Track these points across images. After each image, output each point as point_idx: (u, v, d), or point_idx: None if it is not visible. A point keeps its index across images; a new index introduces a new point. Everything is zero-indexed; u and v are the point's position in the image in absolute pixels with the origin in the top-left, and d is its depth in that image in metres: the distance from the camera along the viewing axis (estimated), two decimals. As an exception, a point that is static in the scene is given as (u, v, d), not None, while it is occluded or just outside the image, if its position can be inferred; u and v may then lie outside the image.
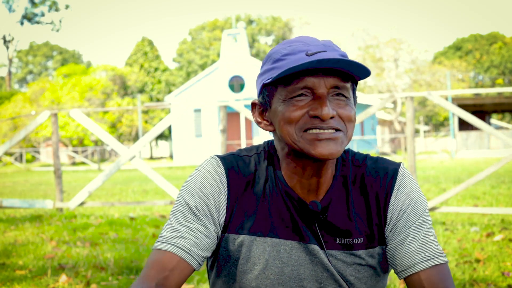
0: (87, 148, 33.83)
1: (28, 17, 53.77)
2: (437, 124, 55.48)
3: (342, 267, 1.24)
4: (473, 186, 9.50)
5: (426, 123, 54.55)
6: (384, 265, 1.28)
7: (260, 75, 1.23)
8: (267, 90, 1.21)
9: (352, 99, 1.20)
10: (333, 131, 1.15)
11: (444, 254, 1.23)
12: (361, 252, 1.24)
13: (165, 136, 42.46)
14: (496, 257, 4.21)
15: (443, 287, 1.18)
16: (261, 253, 1.24)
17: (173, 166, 26.02)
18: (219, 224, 1.24)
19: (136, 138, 39.95)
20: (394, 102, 38.80)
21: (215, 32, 49.90)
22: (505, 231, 5.35)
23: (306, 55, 1.14)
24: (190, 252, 1.18)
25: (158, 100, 43.45)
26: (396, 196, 1.24)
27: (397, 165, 1.28)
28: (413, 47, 41.28)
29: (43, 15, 54.21)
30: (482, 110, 32.38)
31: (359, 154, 1.31)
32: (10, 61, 57.27)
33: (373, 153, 30.05)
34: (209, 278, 1.35)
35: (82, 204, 7.54)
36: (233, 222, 1.24)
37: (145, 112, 39.90)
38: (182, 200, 1.23)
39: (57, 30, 55.09)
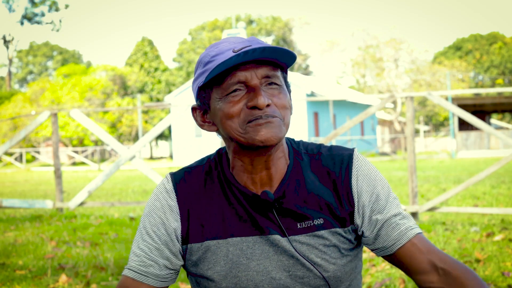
0: (87, 148, 33.82)
1: (28, 17, 53.78)
2: (437, 124, 55.49)
3: (307, 250, 1.27)
4: (473, 186, 9.50)
5: (426, 123, 54.56)
6: (348, 245, 1.31)
7: (195, 80, 1.28)
8: (204, 92, 1.26)
9: (284, 86, 1.25)
10: (270, 117, 1.21)
11: (417, 226, 1.29)
12: (323, 232, 1.27)
13: (165, 136, 42.47)
14: (496, 257, 4.21)
15: (435, 248, 1.25)
16: (225, 254, 1.28)
17: (173, 166, 26.03)
18: (176, 238, 1.31)
19: (136, 138, 39.95)
20: (394, 102, 38.80)
21: (215, 32, 49.93)
22: (505, 231, 5.35)
23: (233, 51, 1.18)
24: (142, 273, 1.30)
25: (158, 100, 43.45)
26: (357, 180, 1.29)
27: (351, 150, 1.33)
28: (413, 47, 41.28)
29: (43, 15, 54.23)
30: (482, 110, 32.37)
31: (312, 144, 1.36)
32: (10, 61, 57.28)
33: (372, 153, 30.05)
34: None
35: (82, 204, 7.54)
36: (192, 233, 1.30)
37: (145, 112, 39.91)
38: (140, 225, 1.34)
39: (57, 30, 55.11)
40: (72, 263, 4.47)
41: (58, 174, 7.78)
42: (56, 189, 7.74)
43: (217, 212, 1.29)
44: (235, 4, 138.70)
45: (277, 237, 1.26)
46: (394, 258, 1.29)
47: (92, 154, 37.17)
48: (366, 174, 1.30)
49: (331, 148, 1.34)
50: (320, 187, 1.29)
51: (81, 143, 37.70)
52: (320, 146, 1.35)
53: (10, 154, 34.07)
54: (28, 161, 36.66)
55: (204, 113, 1.30)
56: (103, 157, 37.27)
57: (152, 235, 1.30)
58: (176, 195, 1.31)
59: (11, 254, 4.96)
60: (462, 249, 4.62)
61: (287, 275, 1.27)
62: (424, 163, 20.70)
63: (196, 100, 1.30)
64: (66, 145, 38.32)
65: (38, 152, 36.65)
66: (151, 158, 43.08)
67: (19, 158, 34.26)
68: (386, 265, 4.16)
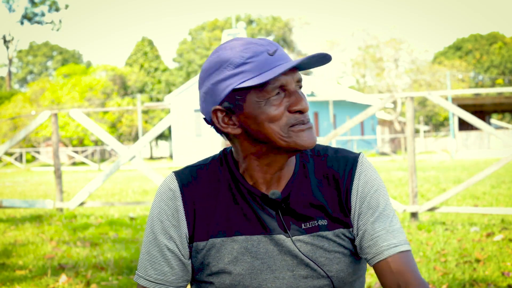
0: (87, 148, 33.82)
1: (28, 17, 53.77)
2: (437, 124, 55.48)
3: (311, 250, 1.28)
4: (473, 186, 9.50)
5: (426, 123, 54.55)
6: (352, 246, 1.33)
7: (223, 80, 1.23)
8: (238, 94, 1.23)
9: None
10: (310, 123, 1.26)
11: (408, 242, 1.29)
12: (327, 233, 1.29)
13: (165, 136, 42.46)
14: (496, 257, 4.21)
15: (409, 270, 1.24)
16: (229, 252, 1.29)
17: (173, 166, 26.02)
18: (185, 239, 1.31)
19: (136, 138, 39.95)
20: (394, 102, 38.80)
21: (215, 32, 49.91)
22: (505, 231, 5.35)
23: (269, 54, 1.23)
24: (159, 282, 1.31)
25: (158, 100, 43.46)
26: (358, 183, 1.31)
27: (357, 154, 1.35)
28: (413, 47, 41.31)
29: (43, 15, 54.22)
30: (482, 110, 32.38)
31: (319, 145, 1.38)
32: (10, 61, 57.28)
33: (372, 153, 30.04)
34: None
35: (82, 204, 7.54)
36: (198, 231, 1.31)
37: (145, 112, 39.90)
38: (148, 229, 1.34)
39: (57, 30, 55.12)
40: (72, 263, 4.47)
41: (58, 174, 7.78)
42: (56, 189, 7.74)
43: (223, 210, 1.30)
44: (235, 4, 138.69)
45: (281, 237, 1.28)
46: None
47: (92, 154, 37.16)
48: (366, 180, 1.31)
49: (338, 150, 1.36)
50: (324, 188, 1.31)
51: (81, 143, 37.70)
52: (327, 148, 1.36)
53: (10, 154, 34.07)
54: (28, 161, 36.65)
55: (227, 114, 1.26)
56: (103, 157, 37.26)
57: (161, 238, 1.30)
58: (181, 195, 1.31)
59: (11, 254, 4.96)
60: (462, 249, 4.62)
61: (291, 275, 1.28)
62: (424, 163, 20.70)
63: (221, 102, 1.25)
64: (66, 145, 38.31)
65: (38, 152, 36.64)
66: (151, 158, 43.08)
67: (19, 158, 34.25)
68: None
